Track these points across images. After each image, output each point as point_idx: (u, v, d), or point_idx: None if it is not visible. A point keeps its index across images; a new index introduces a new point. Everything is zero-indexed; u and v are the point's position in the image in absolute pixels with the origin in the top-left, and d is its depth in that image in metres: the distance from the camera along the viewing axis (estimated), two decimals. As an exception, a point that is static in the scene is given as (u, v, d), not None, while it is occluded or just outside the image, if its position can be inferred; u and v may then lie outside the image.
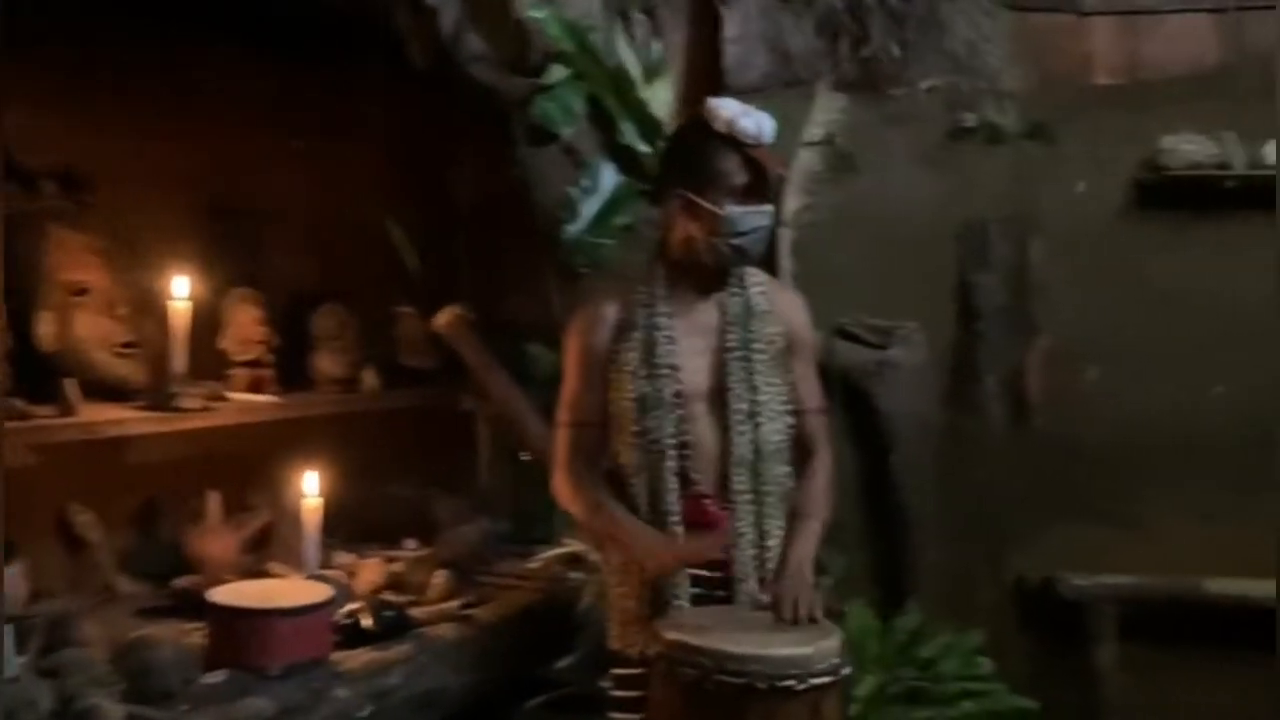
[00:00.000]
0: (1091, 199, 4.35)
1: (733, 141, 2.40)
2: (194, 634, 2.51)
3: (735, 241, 2.42)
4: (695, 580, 2.43)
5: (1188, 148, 4.19)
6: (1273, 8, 4.57)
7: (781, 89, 4.41)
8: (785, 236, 4.08)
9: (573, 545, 3.10)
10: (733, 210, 2.40)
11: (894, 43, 2.74)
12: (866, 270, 4.22)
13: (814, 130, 4.18)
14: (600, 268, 3.96)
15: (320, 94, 3.51)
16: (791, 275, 3.98)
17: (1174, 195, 4.24)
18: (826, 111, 4.20)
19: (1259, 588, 3.97)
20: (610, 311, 2.52)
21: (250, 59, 3.33)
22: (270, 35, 3.34)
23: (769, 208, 2.45)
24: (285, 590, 2.50)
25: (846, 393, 3.96)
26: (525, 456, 3.42)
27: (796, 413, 2.53)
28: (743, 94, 3.39)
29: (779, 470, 2.49)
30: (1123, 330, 4.27)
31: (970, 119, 4.24)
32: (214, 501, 2.95)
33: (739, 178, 2.40)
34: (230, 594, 2.44)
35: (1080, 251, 4.31)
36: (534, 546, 3.34)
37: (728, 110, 2.41)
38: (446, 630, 2.66)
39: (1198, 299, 4.24)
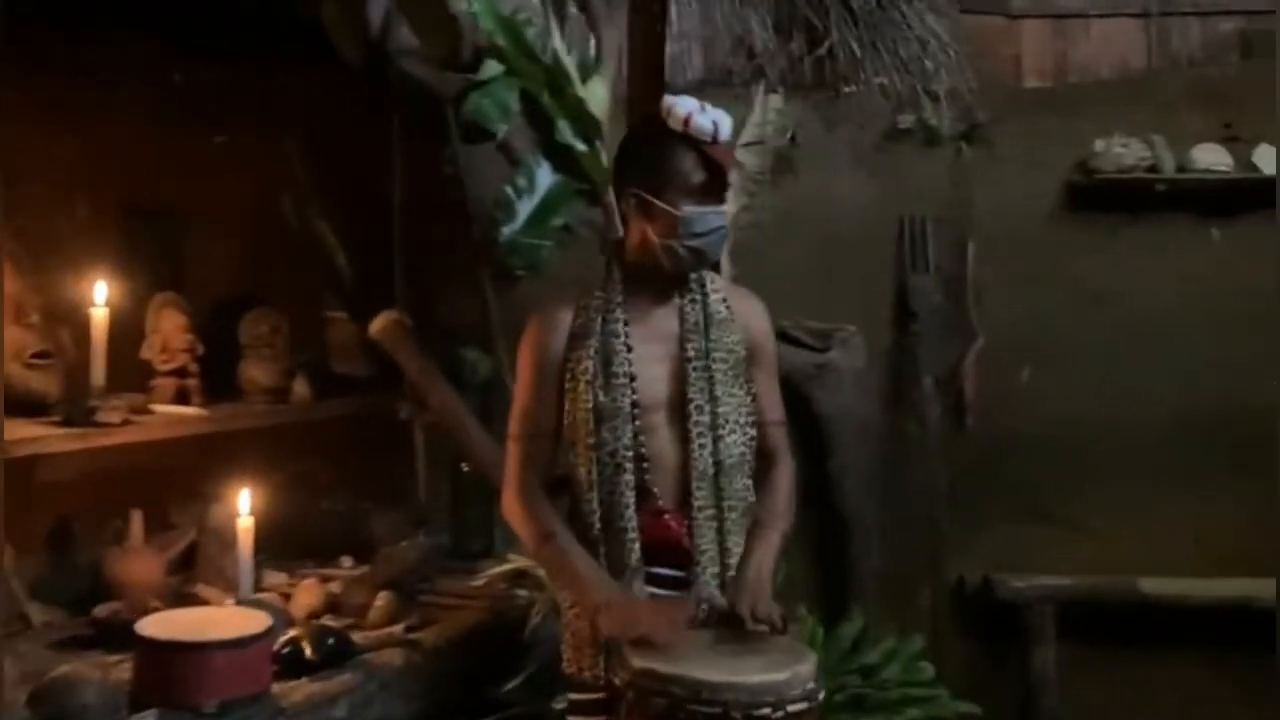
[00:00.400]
0: (1025, 201, 4.34)
1: (689, 140, 2.28)
2: (119, 668, 2.31)
3: (693, 243, 2.31)
4: (650, 579, 2.30)
5: (1119, 151, 4.20)
6: (1195, 14, 4.63)
7: (718, 89, 4.34)
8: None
9: (518, 560, 2.95)
10: (690, 210, 2.28)
11: (852, 40, 2.63)
12: (805, 272, 4.15)
13: (753, 131, 4.08)
14: (537, 269, 3.82)
15: (243, 87, 3.30)
16: (730, 278, 3.87)
17: (1106, 198, 4.26)
18: (765, 112, 4.10)
19: (1197, 587, 3.99)
20: (564, 318, 2.39)
21: (167, 50, 3.11)
22: (189, 25, 3.13)
23: (725, 208, 2.34)
24: (220, 619, 2.31)
25: (786, 396, 3.86)
26: (466, 467, 3.27)
27: (757, 424, 2.42)
28: (677, 94, 3.30)
29: (741, 484, 2.38)
30: (1055, 331, 4.29)
31: (908, 121, 4.19)
32: (136, 521, 2.74)
33: (696, 177, 2.29)
34: (160, 625, 2.25)
35: (1014, 253, 4.31)
36: (475, 561, 3.17)
37: (684, 107, 2.29)
38: (392, 656, 2.49)
39: (1129, 300, 4.27)
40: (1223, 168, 4.16)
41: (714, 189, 2.31)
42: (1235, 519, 4.14)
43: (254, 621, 2.27)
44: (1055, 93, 4.56)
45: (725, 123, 2.30)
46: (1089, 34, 4.63)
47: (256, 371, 3.11)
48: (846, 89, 2.75)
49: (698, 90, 4.28)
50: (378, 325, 3.16)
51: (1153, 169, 4.21)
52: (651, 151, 2.33)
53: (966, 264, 4.25)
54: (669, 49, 4.32)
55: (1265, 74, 4.42)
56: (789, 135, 4.00)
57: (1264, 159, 4.17)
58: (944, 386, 4.23)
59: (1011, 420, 4.24)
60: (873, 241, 4.29)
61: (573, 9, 4.08)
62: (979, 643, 4.17)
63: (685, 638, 2.18)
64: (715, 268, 2.55)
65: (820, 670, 2.14)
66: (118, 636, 2.44)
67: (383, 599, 2.67)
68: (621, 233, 2.48)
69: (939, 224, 4.28)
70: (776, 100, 4.10)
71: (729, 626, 2.25)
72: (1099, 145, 4.21)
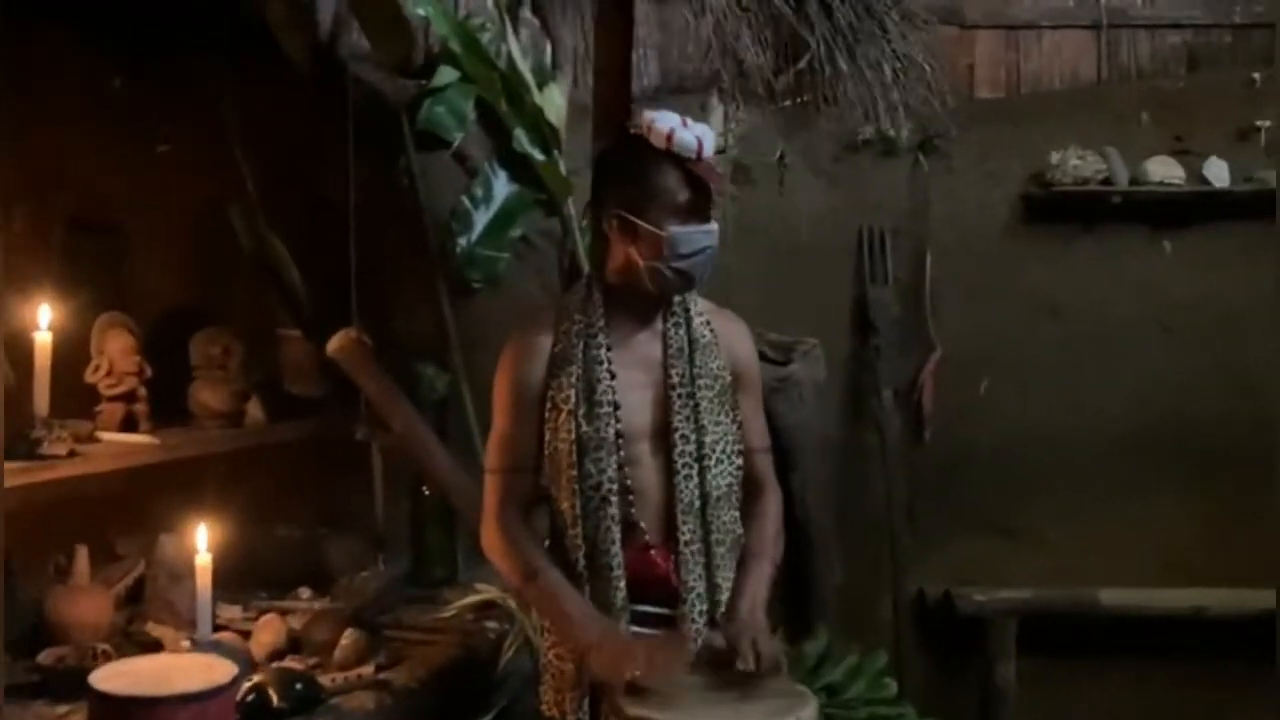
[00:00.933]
0: (980, 212, 4.29)
1: (672, 157, 2.16)
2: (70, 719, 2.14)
3: (680, 264, 2.18)
4: (636, 617, 2.18)
5: (1075, 163, 4.16)
6: (1144, 26, 4.62)
7: (674, 96, 4.24)
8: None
9: (485, 590, 2.81)
10: (676, 231, 2.16)
11: (841, 55, 2.54)
12: (763, 284, 4.06)
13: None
14: (495, 282, 3.69)
15: (188, 94, 3.12)
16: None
17: (1061, 209, 4.22)
18: (722, 123, 4.01)
19: (1155, 597, 3.98)
20: (543, 342, 2.25)
21: (107, 55, 2.92)
22: (129, 29, 2.94)
23: (713, 226, 2.22)
24: (179, 667, 2.14)
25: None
26: (427, 490, 3.12)
27: (744, 452, 2.31)
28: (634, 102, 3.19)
29: (729, 516, 2.27)
30: (1011, 342, 4.24)
31: (866, 132, 4.12)
32: (81, 557, 2.55)
33: (681, 195, 2.16)
34: (115, 676, 2.08)
35: (970, 264, 4.25)
36: (439, 589, 3.04)
37: (665, 123, 2.16)
38: (364, 700, 2.35)
39: (1084, 311, 4.24)
40: (1175, 180, 4.15)
41: (699, 207, 2.19)
42: (1188, 529, 4.13)
43: (216, 671, 2.11)
44: (1008, 103, 4.53)
45: (709, 138, 2.18)
46: (1040, 45, 4.60)
47: (208, 394, 2.93)
48: (825, 104, 2.65)
49: (653, 99, 4.19)
50: (336, 344, 3.00)
51: (1107, 181, 4.18)
52: (633, 170, 2.20)
53: (924, 275, 4.18)
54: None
55: (1212, 87, 4.45)
56: (778, 154, 3.90)
57: (1214, 172, 4.17)
58: (903, 399, 4.16)
59: (969, 432, 4.19)
60: (831, 253, 4.21)
61: (527, 14, 3.96)
62: (940, 656, 4.11)
63: (677, 682, 2.07)
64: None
65: (820, 714, 2.04)
66: (65, 684, 2.27)
67: (349, 637, 2.51)
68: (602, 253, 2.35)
69: (896, 235, 4.22)
70: (733, 111, 4.01)
71: (720, 666, 2.14)
72: (1055, 157, 4.17)
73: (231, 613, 2.80)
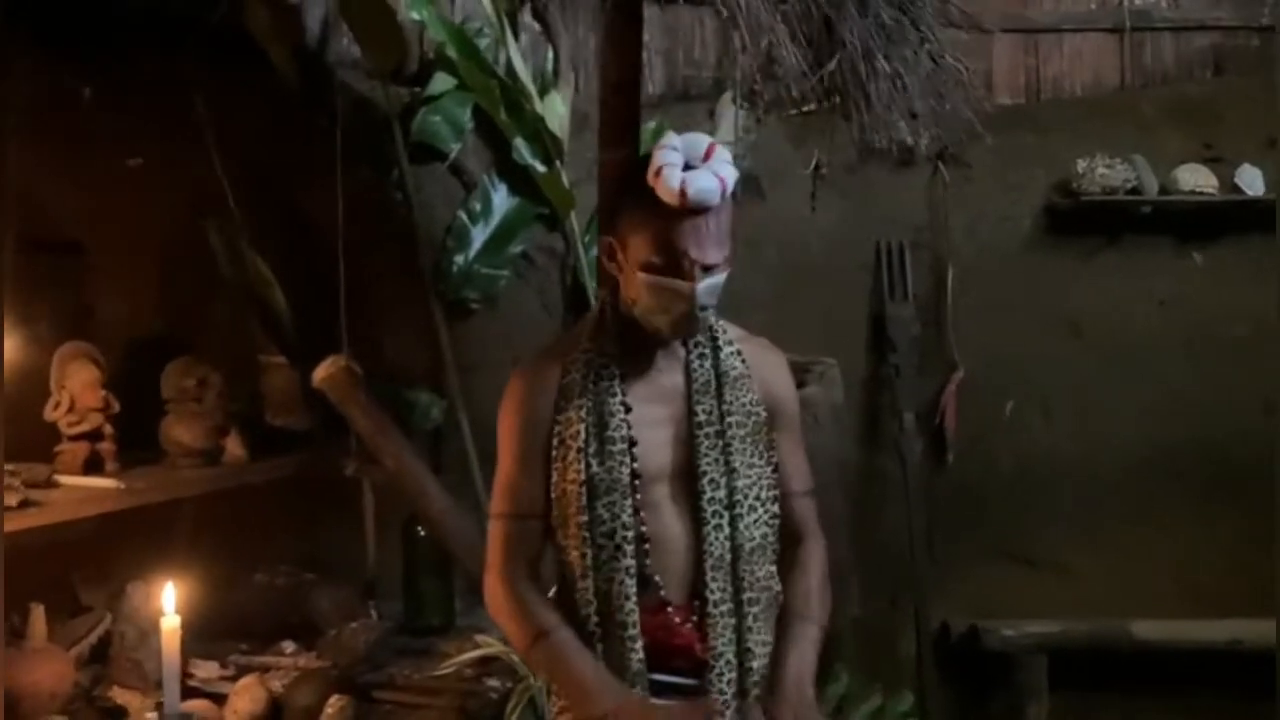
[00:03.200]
0: (1001, 224, 4.02)
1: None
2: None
3: (653, 318, 1.87)
4: (656, 689, 1.89)
5: (1103, 172, 3.88)
6: (1169, 29, 4.36)
7: (678, 103, 3.97)
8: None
9: (486, 644, 2.51)
10: (645, 278, 1.84)
11: (879, 54, 2.25)
12: (773, 300, 3.77)
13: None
14: (494, 301, 3.41)
15: (160, 103, 2.82)
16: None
17: (1086, 220, 3.95)
18: (735, 130, 3.73)
19: (1189, 629, 3.71)
20: (551, 374, 1.95)
21: (70, 61, 2.63)
22: (94, 32, 2.65)
23: (723, 275, 1.88)
24: (141, 752, 1.85)
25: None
26: (422, 531, 2.82)
27: (781, 496, 2.01)
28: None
29: (764, 571, 1.96)
30: (1036, 361, 3.96)
31: (881, 140, 3.83)
32: (37, 618, 2.25)
33: (659, 238, 1.82)
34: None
35: (991, 279, 3.97)
36: (433, 638, 2.73)
37: (673, 179, 1.79)
38: (350, 778, 2.05)
39: (1111, 327, 3.96)
40: (1208, 189, 3.88)
41: (675, 261, 1.83)
42: (1219, 556, 3.86)
43: (182, 757, 1.82)
44: (1028, 110, 4.25)
45: (729, 176, 1.82)
46: (1061, 49, 4.32)
47: (181, 430, 2.63)
48: (856, 111, 2.36)
49: (658, 106, 3.92)
50: (323, 373, 2.71)
51: (1135, 191, 3.91)
52: (638, 209, 1.85)
53: (945, 291, 3.90)
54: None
55: (1241, 91, 4.18)
56: (814, 164, 3.61)
57: (1248, 180, 3.90)
58: (923, 422, 3.88)
59: (993, 456, 3.91)
60: (846, 268, 3.92)
61: (528, 18, 3.68)
62: (966, 694, 3.83)
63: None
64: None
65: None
66: (15, 767, 1.97)
67: (335, 704, 2.22)
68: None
69: (915, 249, 3.93)
70: (743, 117, 3.73)
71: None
72: (1081, 166, 3.90)
73: (207, 670, 2.50)
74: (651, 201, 1.82)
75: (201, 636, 2.64)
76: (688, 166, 1.83)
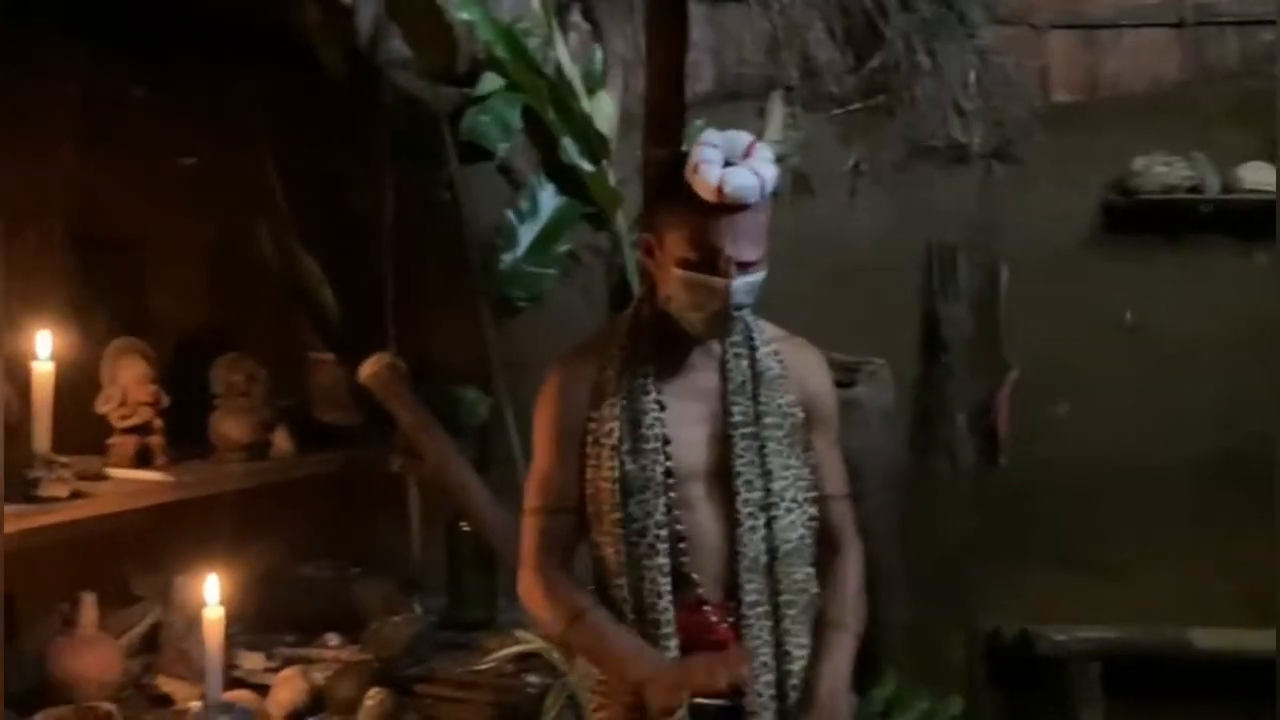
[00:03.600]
0: (1057, 223, 3.95)
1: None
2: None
3: (689, 314, 1.87)
4: (696, 711, 1.86)
5: (1161, 169, 3.80)
6: (1233, 24, 4.25)
7: (726, 101, 3.95)
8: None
9: (526, 639, 2.52)
10: (681, 274, 1.83)
11: (921, 50, 2.22)
12: (822, 300, 3.74)
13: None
14: (540, 300, 3.42)
15: (212, 103, 2.87)
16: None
17: (1144, 219, 3.86)
18: (780, 128, 3.70)
19: (1252, 639, 3.61)
20: (587, 370, 1.95)
21: (125, 62, 2.68)
22: (150, 35, 2.70)
23: (760, 274, 1.87)
24: (182, 740, 1.88)
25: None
26: (465, 527, 2.84)
27: (818, 499, 2.00)
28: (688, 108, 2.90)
29: (801, 573, 1.95)
30: (1091, 362, 3.89)
31: (935, 137, 3.79)
32: (88, 606, 2.29)
33: (696, 235, 1.82)
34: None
35: (1046, 278, 3.90)
36: (475, 633, 2.75)
37: (712, 174, 1.78)
38: (386, 771, 2.07)
39: (1170, 328, 3.87)
40: (1271, 188, 3.77)
41: (712, 258, 1.83)
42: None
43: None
44: (1086, 107, 4.16)
45: (768, 174, 1.81)
46: (1120, 45, 4.23)
47: (230, 425, 2.67)
48: (900, 107, 2.34)
49: (707, 104, 3.90)
50: (369, 369, 2.73)
51: (1195, 189, 3.82)
52: (676, 204, 1.85)
53: (998, 291, 3.84)
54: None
55: (1306, 87, 4.07)
56: (852, 163, 3.58)
57: (1315, 178, 3.79)
58: (975, 423, 3.82)
59: (1046, 459, 3.83)
60: (897, 267, 3.87)
61: (577, 17, 3.69)
62: (1017, 701, 3.76)
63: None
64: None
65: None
66: (62, 752, 2.02)
67: (375, 697, 2.23)
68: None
69: (968, 248, 3.88)
70: (792, 115, 3.71)
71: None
72: (1139, 163, 3.81)
73: (253, 661, 2.53)
74: (689, 198, 1.82)
75: (248, 628, 2.68)
76: (727, 164, 1.83)
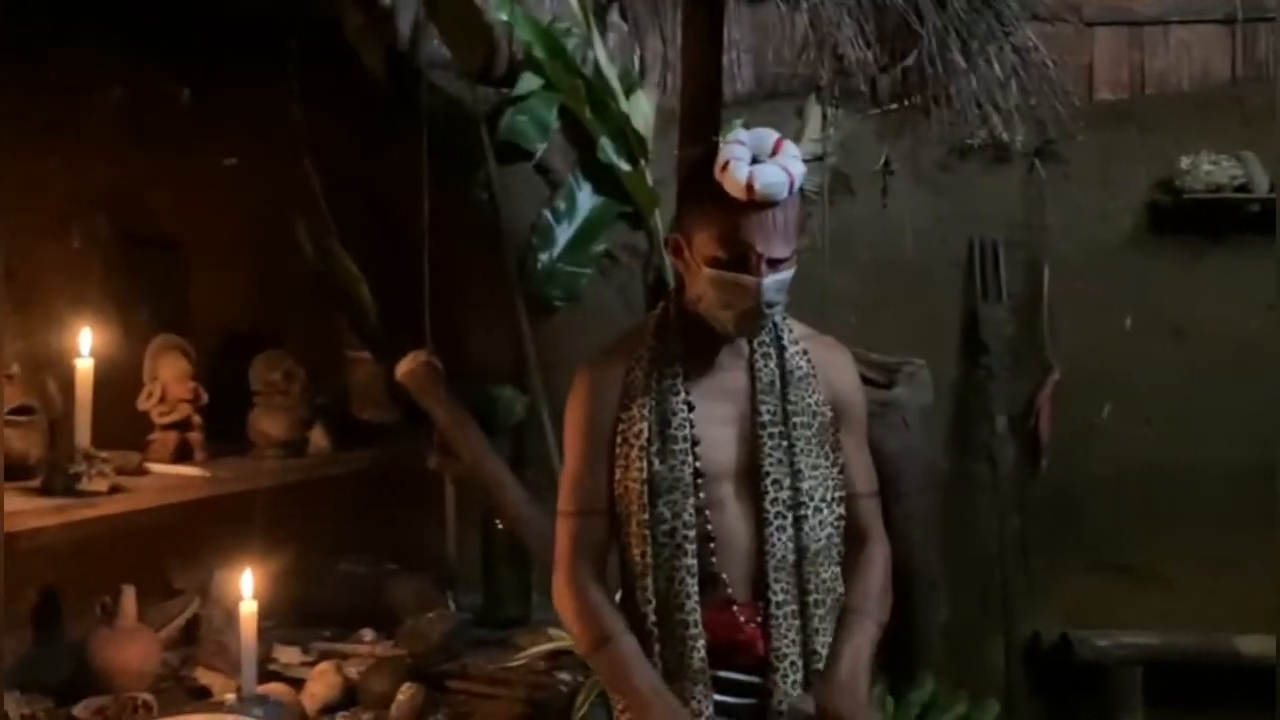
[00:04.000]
0: (1101, 222, 3.90)
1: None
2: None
3: (718, 313, 1.86)
4: (719, 684, 1.88)
5: (1208, 168, 3.74)
6: (1283, 19, 4.17)
7: (769, 101, 3.94)
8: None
9: (560, 638, 2.53)
10: (711, 273, 1.83)
11: (955, 49, 2.21)
12: (863, 300, 3.73)
13: (808, 147, 3.66)
14: (577, 299, 3.43)
15: (254, 104, 2.90)
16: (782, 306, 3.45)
17: (1191, 219, 3.80)
18: (819, 128, 3.69)
19: (1299, 648, 3.54)
20: (616, 372, 1.95)
21: (169, 64, 2.72)
22: (194, 38, 2.74)
23: (789, 271, 1.86)
24: (213, 730, 1.91)
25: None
26: (500, 525, 2.86)
27: (846, 498, 1.99)
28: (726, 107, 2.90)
29: (829, 573, 1.94)
30: (1135, 364, 3.83)
31: (976, 137, 3.75)
32: (128, 598, 2.34)
33: (727, 234, 1.81)
34: (144, 743, 1.86)
35: (1090, 279, 3.85)
36: (510, 630, 2.77)
37: (741, 171, 1.78)
38: (416, 765, 2.09)
39: (1215, 330, 3.81)
40: (1323, 187, 3.71)
41: (742, 256, 1.81)
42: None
43: (252, 735, 1.87)
44: (1131, 105, 4.11)
45: (797, 171, 1.81)
46: (1167, 42, 4.17)
47: (268, 423, 2.71)
48: (935, 106, 2.32)
49: (747, 104, 3.89)
50: (405, 367, 2.76)
51: (1243, 188, 3.75)
52: (704, 201, 1.85)
53: (1041, 291, 3.80)
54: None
55: (1360, 85, 3.98)
56: (882, 160, 3.55)
57: (1366, 177, 3.71)
58: (1016, 425, 3.78)
59: (1089, 461, 3.79)
60: (938, 267, 3.84)
61: (615, 17, 3.70)
62: (1056, 706, 3.72)
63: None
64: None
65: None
66: (100, 741, 2.05)
67: (407, 692, 2.26)
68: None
69: (1010, 247, 3.84)
70: (833, 114, 3.69)
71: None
72: (1185, 162, 3.76)
73: (289, 655, 2.57)
74: (718, 196, 1.81)
75: (286, 623, 2.72)
76: (755, 161, 1.83)
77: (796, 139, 3.80)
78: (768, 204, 1.80)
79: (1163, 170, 3.85)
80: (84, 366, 2.23)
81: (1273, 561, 3.51)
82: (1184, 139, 3.87)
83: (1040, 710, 3.72)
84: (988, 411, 3.76)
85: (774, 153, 1.82)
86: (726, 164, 1.81)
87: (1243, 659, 3.56)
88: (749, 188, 1.78)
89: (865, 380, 3.61)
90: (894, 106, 3.75)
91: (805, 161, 3.41)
